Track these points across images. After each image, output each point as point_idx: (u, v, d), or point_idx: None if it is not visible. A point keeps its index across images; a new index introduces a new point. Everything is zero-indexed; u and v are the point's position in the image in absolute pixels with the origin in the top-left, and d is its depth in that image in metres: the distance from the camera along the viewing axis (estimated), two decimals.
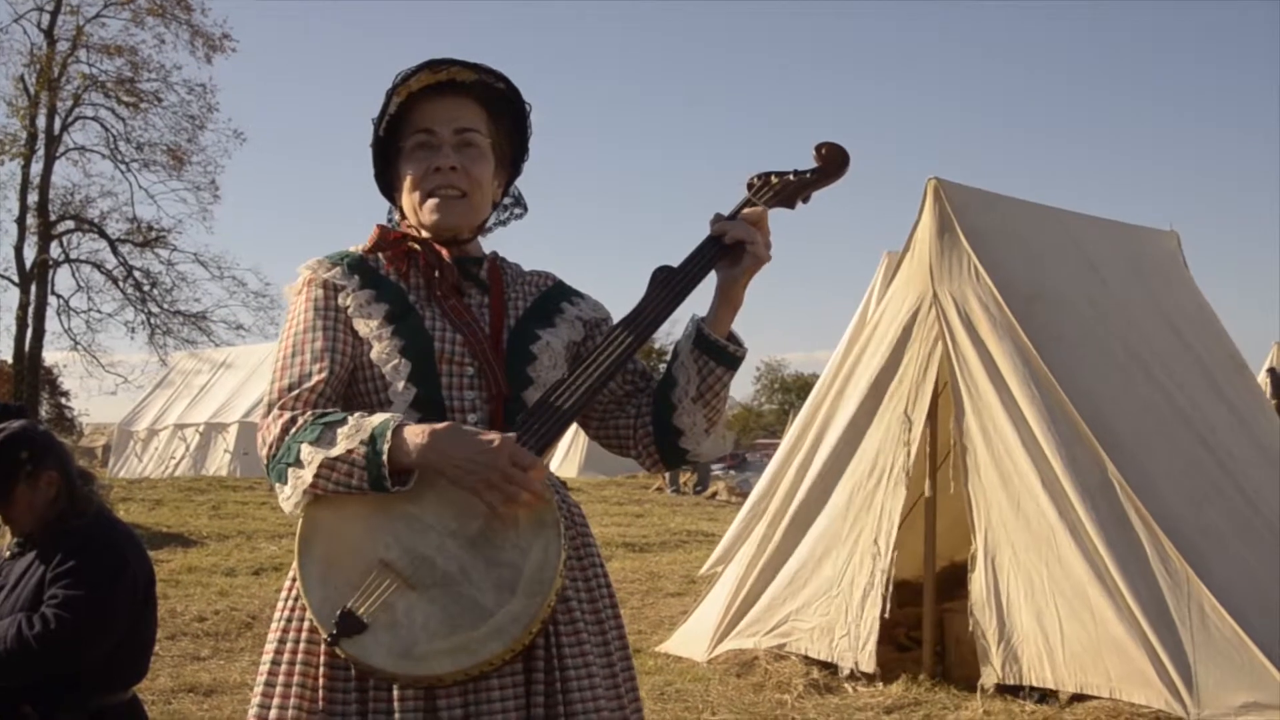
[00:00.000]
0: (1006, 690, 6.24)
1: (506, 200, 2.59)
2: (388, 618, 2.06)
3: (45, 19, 33.60)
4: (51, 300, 34.75)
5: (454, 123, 2.39)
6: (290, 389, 2.25)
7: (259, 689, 2.25)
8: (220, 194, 36.07)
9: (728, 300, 2.37)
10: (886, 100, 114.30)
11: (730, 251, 2.34)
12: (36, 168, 34.06)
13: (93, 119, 34.90)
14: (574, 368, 2.33)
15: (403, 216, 2.48)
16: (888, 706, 6.32)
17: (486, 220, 2.52)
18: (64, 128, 34.44)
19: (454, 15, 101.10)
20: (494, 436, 2.10)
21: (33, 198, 34.03)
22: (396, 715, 2.14)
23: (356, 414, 2.17)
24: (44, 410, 38.58)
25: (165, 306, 35.16)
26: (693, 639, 7.62)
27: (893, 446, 6.90)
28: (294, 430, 2.17)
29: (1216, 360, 8.06)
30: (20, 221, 33.97)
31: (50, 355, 37.19)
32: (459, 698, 2.15)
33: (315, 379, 2.25)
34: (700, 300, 2.41)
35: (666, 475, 20.50)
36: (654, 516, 16.62)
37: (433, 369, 2.31)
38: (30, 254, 34.08)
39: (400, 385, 2.28)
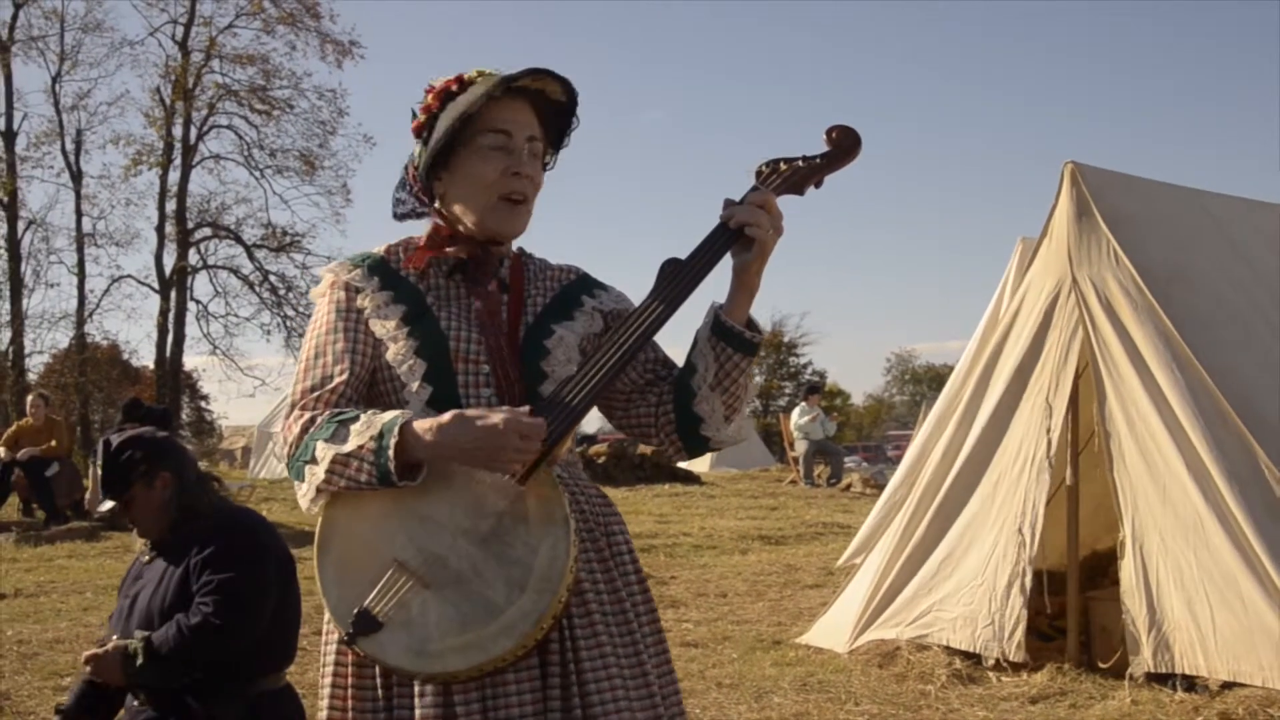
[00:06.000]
0: (1154, 679, 6.15)
1: None
2: (403, 616, 2.12)
3: (179, 31, 34.59)
4: (190, 306, 35.80)
5: (526, 129, 2.42)
6: (312, 390, 2.31)
7: (324, 688, 2.36)
8: (352, 197, 36.68)
9: (743, 286, 2.36)
10: (1019, 86, 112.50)
11: (741, 237, 2.32)
12: (174, 176, 35.07)
13: (227, 127, 35.81)
14: (583, 363, 2.33)
15: (439, 210, 2.51)
16: (1033, 696, 6.25)
17: None
18: (199, 137, 35.39)
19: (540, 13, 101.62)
20: (497, 418, 2.11)
21: (171, 206, 35.06)
22: (417, 712, 2.20)
23: (369, 412, 2.22)
24: (185, 414, 39.64)
25: (301, 309, 35.87)
26: (833, 630, 7.61)
27: (1035, 434, 6.81)
28: (313, 429, 2.24)
29: None
30: (159, 230, 35.01)
31: (190, 360, 38.36)
32: (476, 693, 2.20)
33: (336, 380, 2.31)
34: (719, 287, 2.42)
35: (800, 468, 20.40)
36: (788, 509, 16.53)
37: (448, 368, 2.34)
38: (169, 261, 35.11)
39: (415, 385, 2.32)
